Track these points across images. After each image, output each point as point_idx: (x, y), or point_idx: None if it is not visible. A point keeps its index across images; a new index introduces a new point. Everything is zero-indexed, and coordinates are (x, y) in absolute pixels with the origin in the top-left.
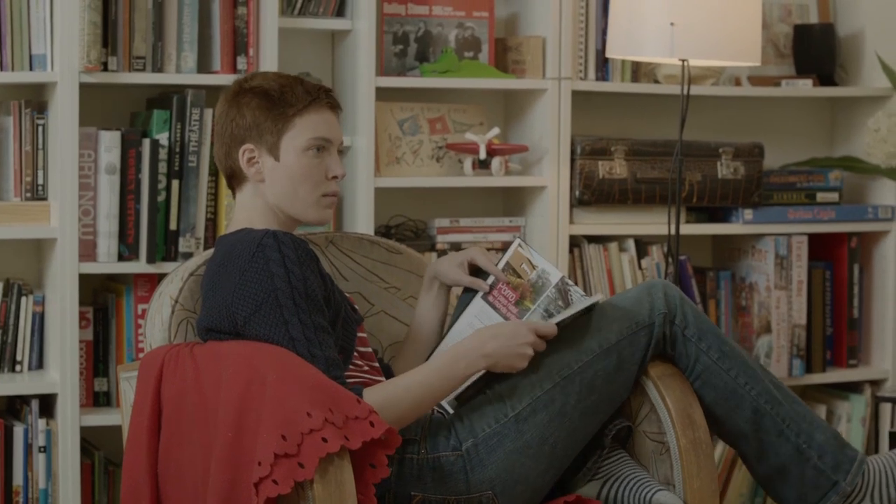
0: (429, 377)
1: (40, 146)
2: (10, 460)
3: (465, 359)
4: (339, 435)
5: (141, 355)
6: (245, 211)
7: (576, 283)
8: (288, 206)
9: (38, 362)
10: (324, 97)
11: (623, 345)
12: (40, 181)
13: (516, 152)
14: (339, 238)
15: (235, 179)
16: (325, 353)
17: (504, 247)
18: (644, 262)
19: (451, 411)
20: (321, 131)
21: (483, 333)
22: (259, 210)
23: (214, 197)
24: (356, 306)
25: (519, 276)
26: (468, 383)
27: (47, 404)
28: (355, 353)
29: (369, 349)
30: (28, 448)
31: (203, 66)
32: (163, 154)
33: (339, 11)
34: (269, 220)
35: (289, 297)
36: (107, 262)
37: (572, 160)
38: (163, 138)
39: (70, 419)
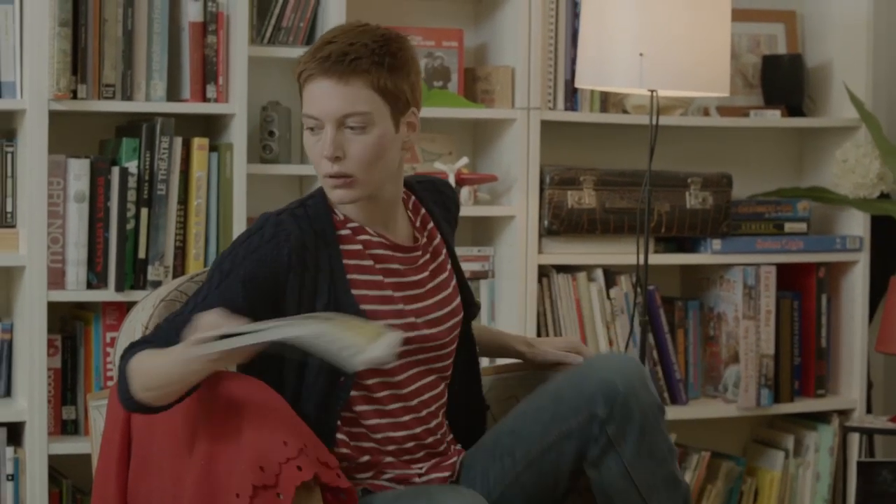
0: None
1: (9, 173)
2: None
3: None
4: (313, 463)
5: (109, 383)
6: None
7: (545, 314)
8: None
9: (6, 390)
10: (313, 66)
11: (550, 452)
12: (9, 208)
13: (485, 182)
14: None
15: None
16: (166, 322)
17: (473, 276)
18: (612, 292)
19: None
20: (307, 107)
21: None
22: None
23: (183, 225)
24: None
25: None
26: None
27: (15, 432)
28: (367, 378)
29: (399, 379)
30: None
31: (172, 94)
32: (132, 182)
33: (309, 40)
34: None
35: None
36: (75, 290)
37: (541, 190)
38: (132, 166)
39: (38, 447)
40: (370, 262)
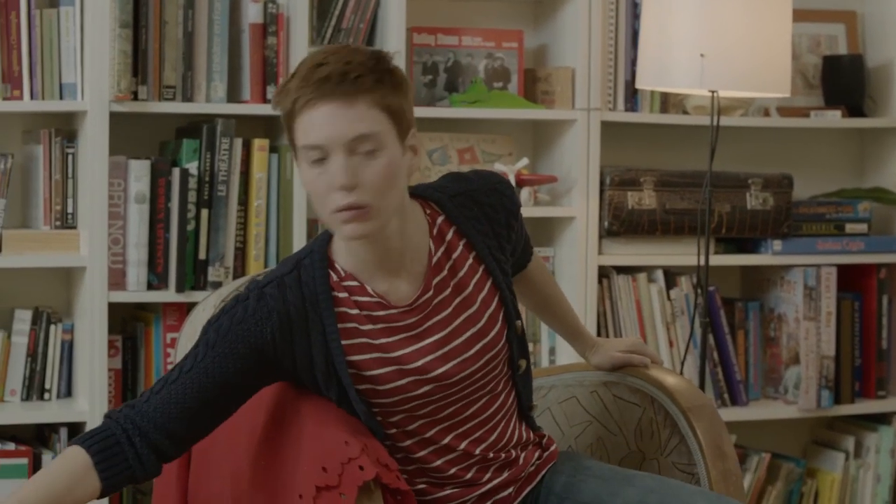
0: None
1: (70, 175)
2: None
3: None
4: (374, 463)
5: None
6: None
7: (606, 315)
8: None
9: (67, 390)
10: (310, 92)
11: None
12: (70, 210)
13: (545, 183)
14: None
15: None
16: (150, 391)
17: None
18: (673, 293)
19: None
20: (309, 137)
21: None
22: None
23: (244, 226)
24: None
25: None
26: None
27: (76, 433)
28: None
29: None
30: None
31: (233, 95)
32: (192, 183)
33: (369, 41)
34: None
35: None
36: (136, 291)
37: (601, 191)
38: (192, 167)
39: None
40: (369, 326)
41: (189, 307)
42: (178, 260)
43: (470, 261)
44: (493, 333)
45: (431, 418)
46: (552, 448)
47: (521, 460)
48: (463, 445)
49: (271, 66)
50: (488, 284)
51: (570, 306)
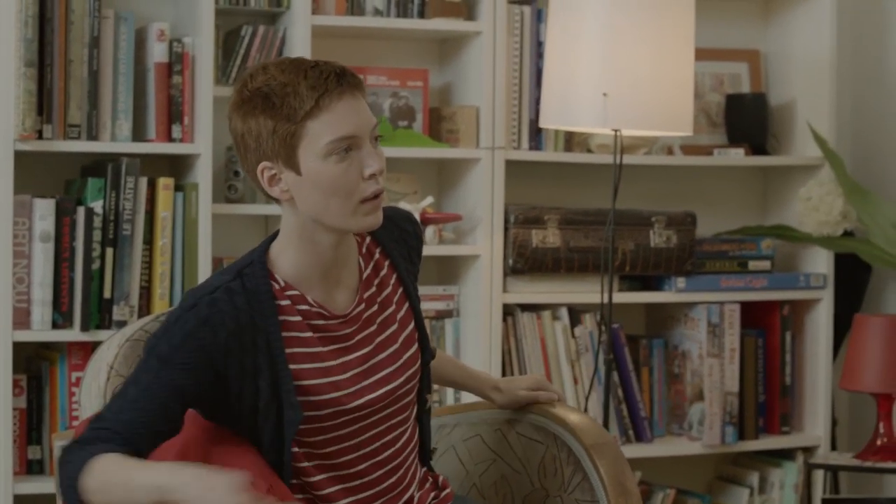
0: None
1: None
2: None
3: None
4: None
5: (75, 423)
6: (284, 232)
7: (510, 352)
8: (325, 219)
9: None
10: (334, 85)
11: None
12: None
13: (450, 221)
14: None
15: (269, 198)
16: (111, 413)
17: (438, 314)
18: (577, 331)
19: None
20: (339, 130)
21: (205, 480)
22: (297, 232)
23: (149, 265)
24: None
25: None
26: None
27: None
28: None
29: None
30: None
31: (138, 134)
32: (97, 222)
33: None
34: (311, 238)
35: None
36: (41, 330)
37: (506, 229)
38: (97, 206)
39: (3, 487)
40: (309, 334)
41: (94, 346)
42: (83, 299)
43: (393, 280)
44: (407, 355)
45: (349, 443)
46: (447, 490)
47: (416, 501)
48: (374, 476)
49: (176, 105)
50: (406, 307)
51: (451, 360)
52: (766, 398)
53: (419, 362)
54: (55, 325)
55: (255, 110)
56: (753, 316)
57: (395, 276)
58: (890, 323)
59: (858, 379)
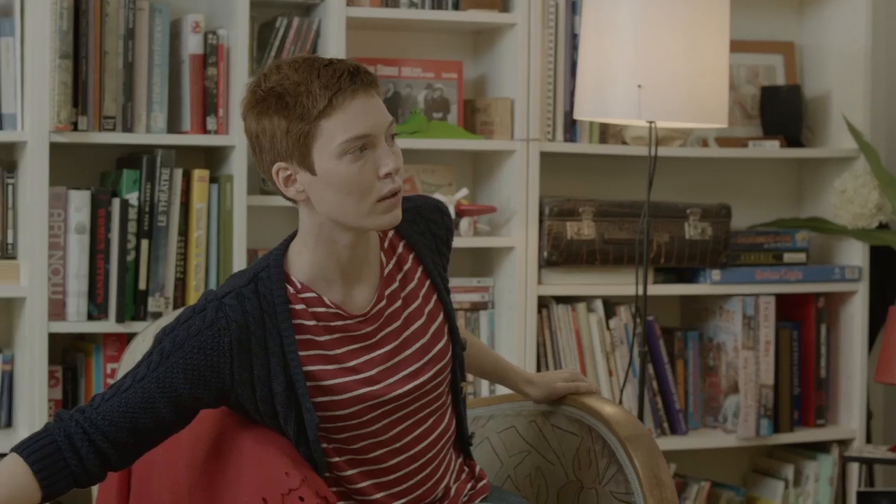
0: None
1: (10, 205)
2: None
3: None
4: (313, 494)
5: None
6: (302, 233)
7: (545, 345)
8: (342, 219)
9: (7, 421)
10: (347, 83)
11: None
12: (10, 240)
13: (485, 213)
14: None
15: (285, 198)
16: (101, 397)
17: (473, 307)
18: (612, 323)
19: None
20: (354, 129)
21: None
22: (314, 232)
23: (184, 257)
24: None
25: None
26: None
27: None
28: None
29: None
30: None
31: (173, 126)
32: (132, 214)
33: None
34: (328, 238)
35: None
36: (76, 322)
37: (540, 221)
38: (132, 198)
39: None
40: (326, 336)
41: (129, 337)
42: (119, 290)
43: (419, 274)
44: (437, 348)
45: (379, 438)
46: (484, 482)
47: (452, 492)
48: (406, 470)
49: (211, 96)
50: (434, 299)
51: (488, 348)
52: (801, 391)
53: (450, 353)
54: (90, 317)
55: (268, 110)
56: (788, 308)
57: (420, 269)
58: None
59: (893, 371)
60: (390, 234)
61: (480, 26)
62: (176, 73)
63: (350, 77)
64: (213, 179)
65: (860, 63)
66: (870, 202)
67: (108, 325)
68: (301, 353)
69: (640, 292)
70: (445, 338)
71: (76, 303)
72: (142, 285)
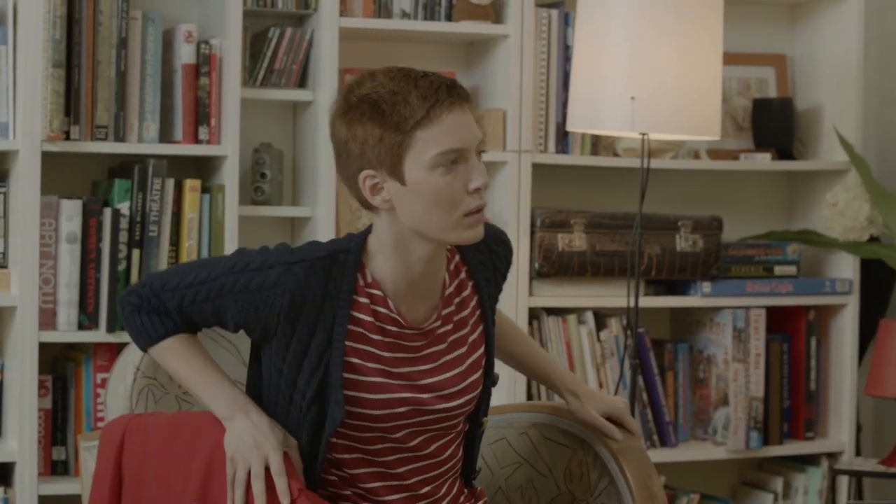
0: (197, 383)
1: (1, 214)
2: None
3: (225, 410)
4: (307, 497)
5: (100, 424)
6: (379, 238)
7: None
8: (426, 230)
9: None
10: (444, 97)
11: None
12: (1, 249)
13: None
14: None
15: (366, 207)
16: (173, 288)
17: None
18: (603, 335)
19: None
20: (448, 142)
21: (251, 423)
22: (392, 241)
23: None
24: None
25: None
26: None
27: (5, 473)
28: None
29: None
30: None
31: (165, 135)
32: (124, 223)
33: (301, 82)
34: (405, 248)
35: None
36: (67, 331)
37: (532, 232)
38: (124, 208)
39: (28, 488)
40: (378, 336)
41: (119, 347)
42: (109, 300)
43: (473, 303)
44: (471, 379)
45: (398, 444)
46: (482, 501)
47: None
48: (413, 480)
49: (203, 106)
50: (479, 331)
51: (538, 351)
52: (791, 403)
53: (481, 387)
54: (81, 326)
55: (362, 117)
56: (779, 321)
57: (475, 299)
58: None
59: (883, 384)
60: (456, 257)
61: (473, 37)
62: (168, 83)
63: (447, 90)
64: (204, 189)
65: (852, 76)
66: (861, 215)
67: (99, 335)
68: (348, 343)
69: (631, 304)
70: (480, 371)
71: (67, 312)
72: None
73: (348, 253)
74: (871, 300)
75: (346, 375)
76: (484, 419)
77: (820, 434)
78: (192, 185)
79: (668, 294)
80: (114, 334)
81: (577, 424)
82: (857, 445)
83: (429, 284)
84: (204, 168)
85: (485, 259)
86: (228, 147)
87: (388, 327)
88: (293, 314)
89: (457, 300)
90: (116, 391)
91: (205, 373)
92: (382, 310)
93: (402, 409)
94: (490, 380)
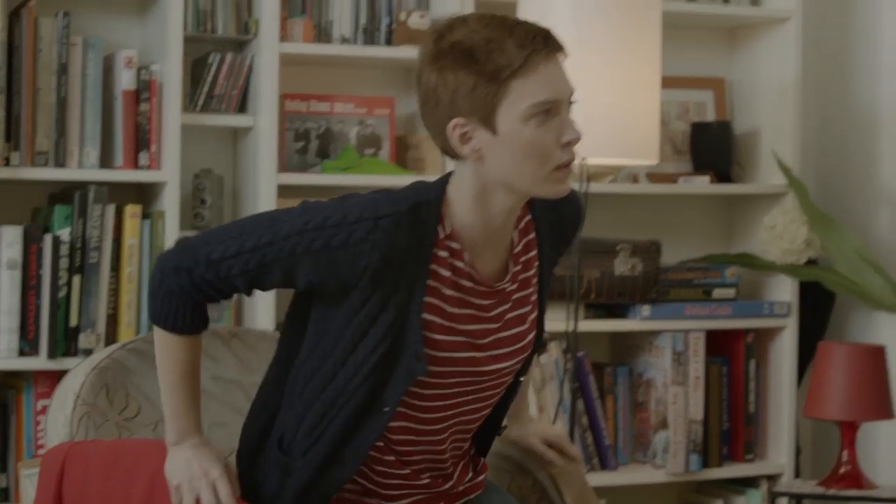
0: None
1: None
2: None
3: (174, 434)
4: None
5: (41, 451)
6: (460, 187)
7: None
8: (515, 182)
9: None
10: (541, 46)
11: None
12: None
13: None
14: (242, 332)
15: (451, 155)
16: (221, 254)
17: None
18: (543, 359)
19: None
20: (544, 92)
21: (195, 451)
22: (474, 191)
23: (116, 293)
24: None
25: None
26: None
27: None
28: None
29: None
30: None
31: (105, 161)
32: (64, 250)
33: (241, 108)
34: (487, 200)
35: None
36: (7, 358)
37: None
38: (64, 234)
39: None
40: (452, 292)
41: (60, 374)
42: (50, 327)
43: (536, 264)
44: (528, 339)
45: (445, 402)
46: (482, 477)
47: (457, 472)
48: (445, 435)
49: (144, 132)
50: (536, 294)
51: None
52: (731, 426)
53: (533, 347)
54: (21, 353)
55: (454, 64)
56: (718, 344)
57: (538, 262)
58: (853, 351)
59: (822, 407)
60: (527, 217)
61: (412, 63)
62: (109, 109)
63: (544, 39)
64: (145, 215)
65: (789, 99)
66: (798, 238)
67: (40, 362)
68: (425, 299)
69: (571, 328)
70: (534, 332)
71: (7, 339)
72: (73, 321)
73: (429, 204)
74: (809, 323)
75: (424, 333)
76: (522, 378)
77: (759, 456)
78: (132, 211)
79: (608, 317)
80: (55, 361)
81: (517, 450)
82: (796, 467)
83: (502, 239)
84: (144, 194)
85: (553, 221)
86: (169, 173)
87: (463, 282)
88: (377, 274)
89: (523, 259)
90: (56, 419)
91: (179, 387)
92: (459, 264)
93: (464, 368)
94: (540, 341)
